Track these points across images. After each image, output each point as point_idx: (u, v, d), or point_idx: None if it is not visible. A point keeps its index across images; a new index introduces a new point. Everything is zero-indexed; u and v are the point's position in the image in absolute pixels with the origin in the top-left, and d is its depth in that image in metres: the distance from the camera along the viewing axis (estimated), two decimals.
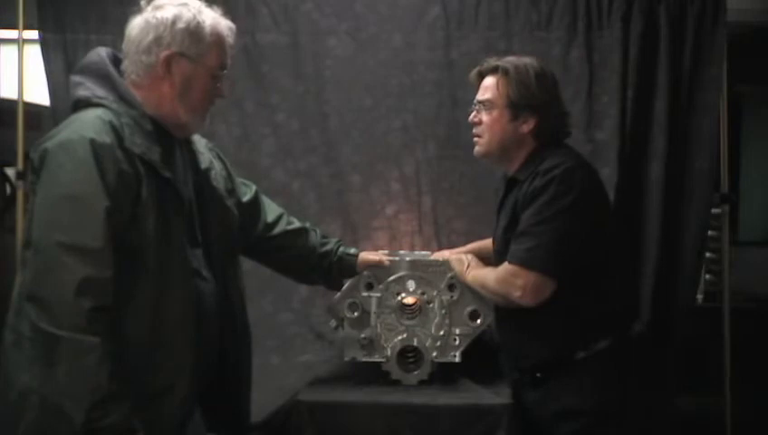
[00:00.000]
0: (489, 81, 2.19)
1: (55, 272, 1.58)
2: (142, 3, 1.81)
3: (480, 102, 2.19)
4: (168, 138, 1.81)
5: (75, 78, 1.81)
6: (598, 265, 2.08)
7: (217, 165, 2.00)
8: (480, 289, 2.21)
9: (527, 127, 2.14)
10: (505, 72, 2.15)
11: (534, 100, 2.13)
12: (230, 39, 1.85)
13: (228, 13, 1.89)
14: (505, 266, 2.08)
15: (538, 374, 2.12)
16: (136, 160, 1.69)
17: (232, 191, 2.03)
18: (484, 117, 2.17)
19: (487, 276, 2.17)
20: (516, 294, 2.05)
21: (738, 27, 3.12)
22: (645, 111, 2.74)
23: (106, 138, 1.67)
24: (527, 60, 2.19)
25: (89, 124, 1.68)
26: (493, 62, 2.20)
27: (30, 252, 1.63)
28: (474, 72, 2.25)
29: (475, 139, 2.21)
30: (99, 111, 1.72)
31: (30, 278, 1.62)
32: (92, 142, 1.64)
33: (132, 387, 1.64)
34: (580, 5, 2.76)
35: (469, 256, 2.31)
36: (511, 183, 2.19)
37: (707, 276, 3.93)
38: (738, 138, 4.68)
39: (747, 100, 4.77)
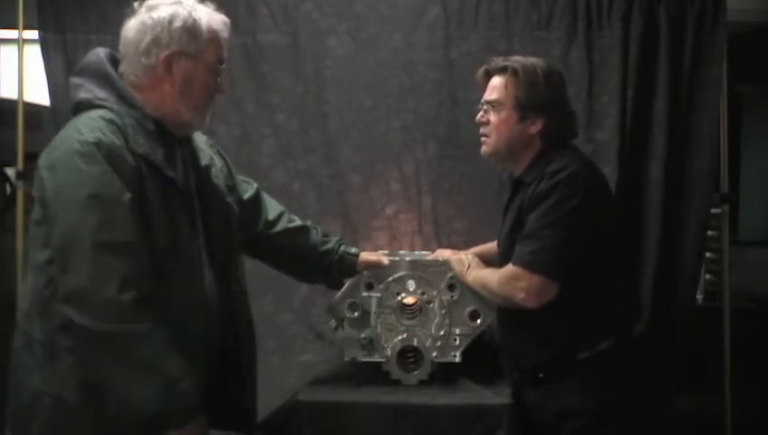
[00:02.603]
0: (497, 81, 2.17)
1: (93, 272, 1.59)
2: (135, 4, 1.81)
3: (488, 102, 2.18)
4: (170, 137, 1.82)
5: (75, 80, 1.81)
6: (599, 266, 2.08)
7: (218, 162, 2.00)
8: (481, 289, 2.21)
9: (535, 128, 2.13)
10: (514, 73, 2.13)
11: (542, 101, 2.12)
12: (225, 33, 1.85)
13: (228, 13, 1.90)
14: (509, 268, 2.08)
15: (540, 375, 2.11)
16: (139, 160, 1.70)
17: (233, 188, 2.03)
18: (492, 117, 2.16)
19: (489, 277, 2.17)
20: (519, 296, 2.05)
21: (738, 27, 3.12)
22: (645, 111, 2.74)
23: (112, 138, 1.67)
24: (534, 60, 2.18)
25: (94, 126, 1.69)
26: (501, 61, 2.19)
27: (59, 256, 1.63)
28: (481, 71, 2.23)
29: (483, 138, 2.20)
30: (101, 112, 1.72)
31: (64, 282, 1.61)
32: (101, 142, 1.65)
33: None
34: (580, 5, 2.76)
35: (470, 256, 2.31)
36: (517, 184, 2.19)
37: (707, 276, 3.93)
38: (738, 138, 4.68)
39: (747, 100, 4.78)
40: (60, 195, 1.65)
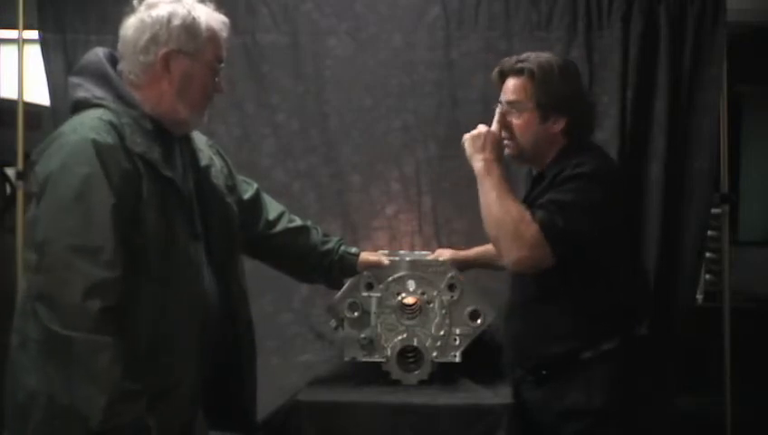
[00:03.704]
0: (515, 82, 2.13)
1: (65, 274, 1.59)
2: (134, 2, 1.81)
3: (508, 103, 2.14)
4: (168, 136, 1.81)
5: (74, 79, 1.81)
6: (605, 266, 2.07)
7: (218, 162, 2.00)
8: (485, 199, 2.07)
9: (558, 126, 2.11)
10: (531, 74, 2.10)
11: (562, 97, 2.10)
12: (224, 33, 1.85)
13: (228, 13, 1.90)
14: (533, 224, 1.98)
15: (543, 372, 2.10)
16: (136, 160, 1.70)
17: (233, 188, 2.03)
18: (514, 120, 2.13)
19: (507, 203, 2.03)
20: (521, 253, 1.98)
21: (738, 27, 3.12)
22: (645, 111, 2.74)
23: (108, 137, 1.67)
24: (548, 56, 2.16)
25: (89, 125, 1.68)
26: (515, 63, 2.15)
27: (37, 254, 1.63)
28: (495, 72, 2.19)
29: (505, 141, 2.15)
30: (99, 112, 1.72)
31: (39, 280, 1.62)
32: (95, 142, 1.65)
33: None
34: (580, 5, 2.76)
35: (493, 139, 2.11)
36: (536, 181, 2.18)
37: (707, 276, 3.93)
38: (738, 138, 4.68)
39: (747, 100, 4.78)
40: (47, 193, 1.65)
